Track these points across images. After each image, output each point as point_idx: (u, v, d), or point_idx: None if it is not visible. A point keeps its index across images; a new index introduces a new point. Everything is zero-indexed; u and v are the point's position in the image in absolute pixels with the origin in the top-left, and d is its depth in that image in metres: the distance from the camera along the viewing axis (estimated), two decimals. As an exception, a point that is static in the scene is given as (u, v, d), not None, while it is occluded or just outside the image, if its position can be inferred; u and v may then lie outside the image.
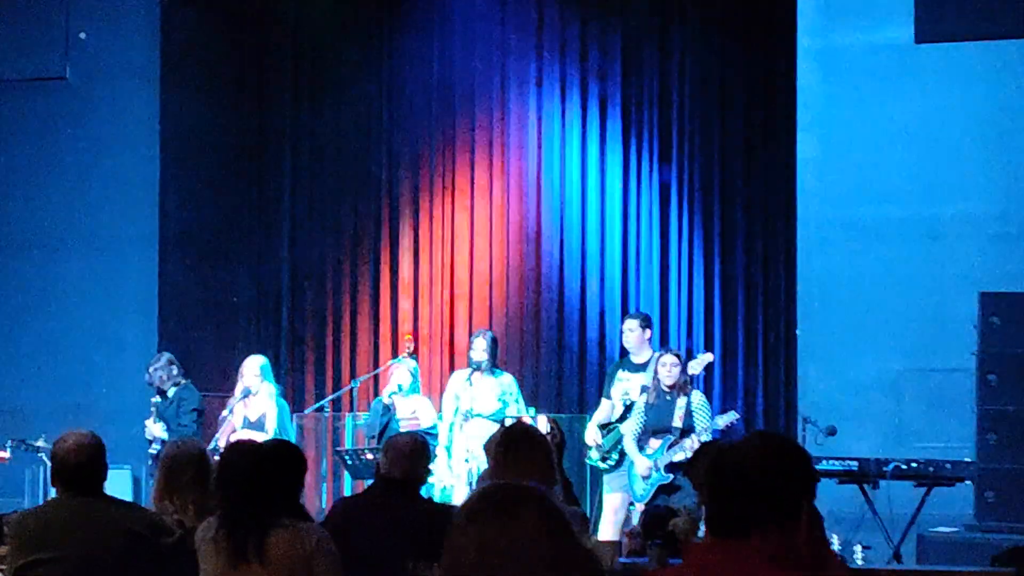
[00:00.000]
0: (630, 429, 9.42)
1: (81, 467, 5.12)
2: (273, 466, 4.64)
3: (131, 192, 11.64)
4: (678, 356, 9.42)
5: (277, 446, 4.99)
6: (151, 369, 10.11)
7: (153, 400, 10.10)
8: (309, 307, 12.70)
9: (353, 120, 12.62)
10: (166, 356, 10.20)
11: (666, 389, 9.26)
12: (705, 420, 9.25)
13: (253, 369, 10.04)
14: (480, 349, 9.98)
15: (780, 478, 2.81)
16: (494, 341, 10.18)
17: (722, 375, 11.40)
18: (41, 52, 11.71)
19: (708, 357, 9.78)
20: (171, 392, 10.03)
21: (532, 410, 10.08)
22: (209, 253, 12.28)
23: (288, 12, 12.56)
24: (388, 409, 10.00)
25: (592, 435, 9.79)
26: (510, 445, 5.38)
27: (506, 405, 9.90)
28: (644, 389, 9.50)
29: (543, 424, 6.35)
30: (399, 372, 10.21)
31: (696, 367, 9.58)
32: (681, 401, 9.23)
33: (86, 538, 5.04)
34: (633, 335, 9.84)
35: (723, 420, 9.34)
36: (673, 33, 11.97)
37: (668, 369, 9.27)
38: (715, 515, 2.84)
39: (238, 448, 4.88)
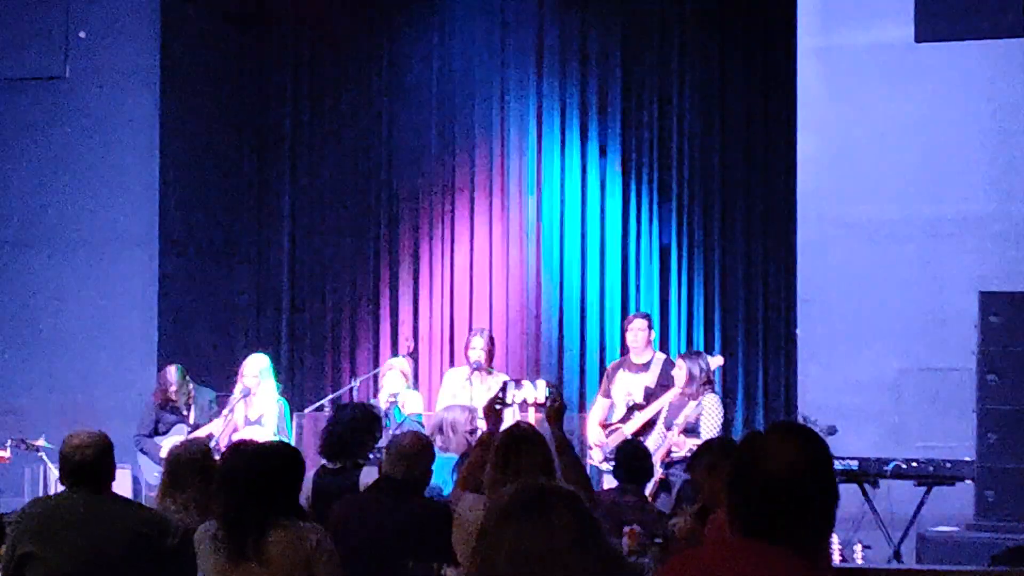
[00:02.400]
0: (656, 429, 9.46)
1: (88, 464, 5.16)
2: (272, 467, 4.68)
3: (131, 192, 11.64)
4: (695, 362, 9.44)
5: (276, 447, 5.06)
6: (171, 390, 10.08)
7: (166, 420, 10.16)
8: (309, 307, 12.69)
9: (353, 120, 12.62)
10: (178, 369, 10.16)
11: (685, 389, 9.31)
12: (713, 422, 9.24)
13: (253, 369, 10.02)
14: (479, 348, 9.93)
15: (827, 492, 2.81)
16: (491, 340, 10.16)
17: (722, 375, 11.37)
18: (41, 51, 11.71)
19: (718, 360, 9.82)
20: (194, 408, 10.14)
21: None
22: (209, 253, 12.28)
23: (288, 12, 12.55)
24: (387, 415, 9.93)
25: (594, 435, 9.80)
26: (510, 445, 5.38)
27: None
28: (648, 390, 9.56)
29: (542, 389, 6.33)
30: (392, 377, 10.04)
31: None
32: (694, 401, 9.26)
33: (91, 536, 5.07)
34: (642, 335, 9.87)
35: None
36: (673, 32, 11.97)
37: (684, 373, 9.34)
38: (750, 517, 2.77)
39: (239, 449, 4.93)
